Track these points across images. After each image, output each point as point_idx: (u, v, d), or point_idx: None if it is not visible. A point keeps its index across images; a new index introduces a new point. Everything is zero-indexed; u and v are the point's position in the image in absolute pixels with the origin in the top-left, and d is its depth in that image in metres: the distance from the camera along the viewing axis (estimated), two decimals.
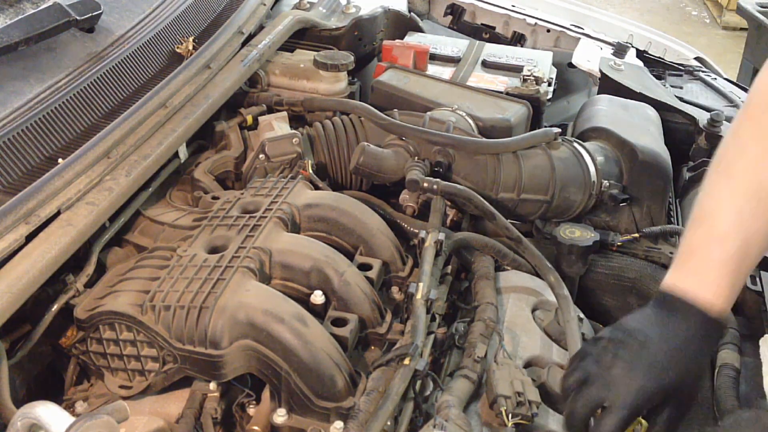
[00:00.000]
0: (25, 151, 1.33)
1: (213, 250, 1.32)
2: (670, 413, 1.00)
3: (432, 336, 1.30)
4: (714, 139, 1.92)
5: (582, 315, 1.50)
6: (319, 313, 1.28)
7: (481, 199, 1.58)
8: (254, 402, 1.22)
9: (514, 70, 2.11)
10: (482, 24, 2.62)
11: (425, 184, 1.57)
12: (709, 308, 0.98)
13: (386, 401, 1.10)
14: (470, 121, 1.80)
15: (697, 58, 2.38)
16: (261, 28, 2.05)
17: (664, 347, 0.98)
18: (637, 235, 1.67)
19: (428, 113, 1.79)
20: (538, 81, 2.00)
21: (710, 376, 1.37)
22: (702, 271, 1.00)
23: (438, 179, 1.60)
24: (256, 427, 1.18)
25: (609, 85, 2.10)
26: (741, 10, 4.35)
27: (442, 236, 1.45)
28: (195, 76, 1.68)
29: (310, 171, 1.65)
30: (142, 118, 1.50)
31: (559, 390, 1.12)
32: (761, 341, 1.34)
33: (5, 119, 1.34)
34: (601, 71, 2.14)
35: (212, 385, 1.19)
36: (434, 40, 2.28)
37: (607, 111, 1.91)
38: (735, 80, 2.32)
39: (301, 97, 1.92)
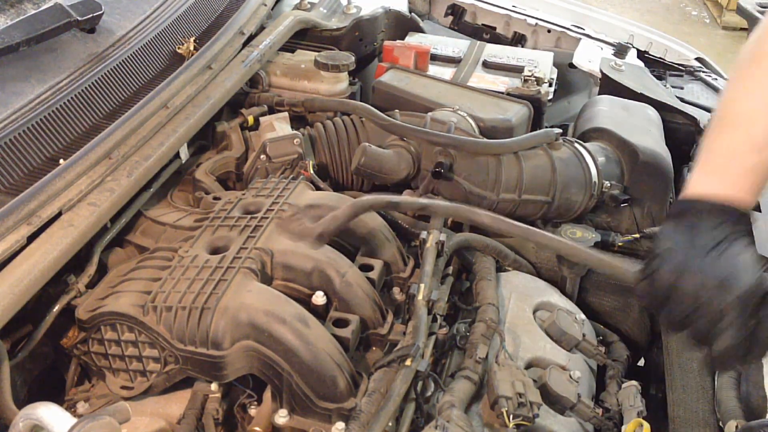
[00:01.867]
0: (26, 151, 1.33)
1: (214, 251, 1.32)
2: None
3: (433, 337, 1.30)
4: None
5: (583, 316, 1.51)
6: (320, 313, 1.28)
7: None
8: (256, 403, 1.22)
9: (515, 70, 2.12)
10: (483, 24, 2.62)
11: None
12: (744, 205, 0.97)
13: (388, 402, 1.11)
14: (471, 122, 1.80)
15: (698, 59, 2.38)
16: (262, 28, 2.05)
17: (715, 259, 0.93)
18: (638, 235, 1.67)
19: (429, 114, 1.79)
20: (539, 81, 2.01)
21: (711, 376, 1.37)
22: (738, 178, 0.98)
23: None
24: (257, 428, 1.18)
25: (610, 86, 2.10)
26: (741, 10, 4.33)
27: (443, 237, 1.45)
28: (196, 76, 1.68)
29: (311, 171, 1.66)
30: (143, 118, 1.50)
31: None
32: None
33: (7, 120, 1.34)
34: (601, 72, 2.14)
35: (214, 386, 1.20)
36: (435, 41, 2.28)
37: (608, 111, 1.91)
38: None
39: (302, 98, 1.92)
